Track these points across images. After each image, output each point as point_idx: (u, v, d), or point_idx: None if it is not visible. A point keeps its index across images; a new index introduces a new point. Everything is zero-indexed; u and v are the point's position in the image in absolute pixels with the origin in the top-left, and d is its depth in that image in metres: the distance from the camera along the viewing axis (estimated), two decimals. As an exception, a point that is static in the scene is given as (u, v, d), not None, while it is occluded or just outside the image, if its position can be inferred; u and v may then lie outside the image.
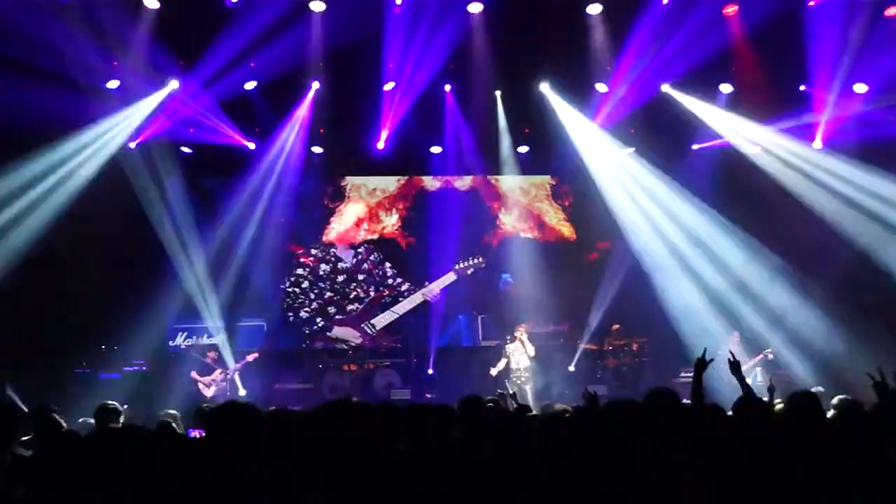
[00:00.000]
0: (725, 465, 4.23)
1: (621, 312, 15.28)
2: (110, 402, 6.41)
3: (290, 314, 15.56)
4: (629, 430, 4.43)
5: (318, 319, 15.55)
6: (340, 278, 15.72)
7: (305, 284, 15.63)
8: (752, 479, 4.15)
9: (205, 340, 15.08)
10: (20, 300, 13.46)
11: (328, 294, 15.65)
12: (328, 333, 15.48)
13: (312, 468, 3.99)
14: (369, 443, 4.19)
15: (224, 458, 3.78)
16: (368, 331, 15.57)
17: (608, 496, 3.92)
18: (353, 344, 15.47)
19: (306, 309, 15.58)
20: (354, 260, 15.80)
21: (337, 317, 15.58)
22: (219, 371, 13.82)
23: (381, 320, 15.64)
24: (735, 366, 6.11)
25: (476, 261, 15.49)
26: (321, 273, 15.70)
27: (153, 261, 14.94)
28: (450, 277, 15.52)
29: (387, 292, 15.77)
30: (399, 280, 15.81)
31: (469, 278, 15.72)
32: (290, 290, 15.59)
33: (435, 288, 15.46)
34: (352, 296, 15.71)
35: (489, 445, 4.59)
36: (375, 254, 15.90)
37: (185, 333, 15.26)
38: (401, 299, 15.71)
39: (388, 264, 15.90)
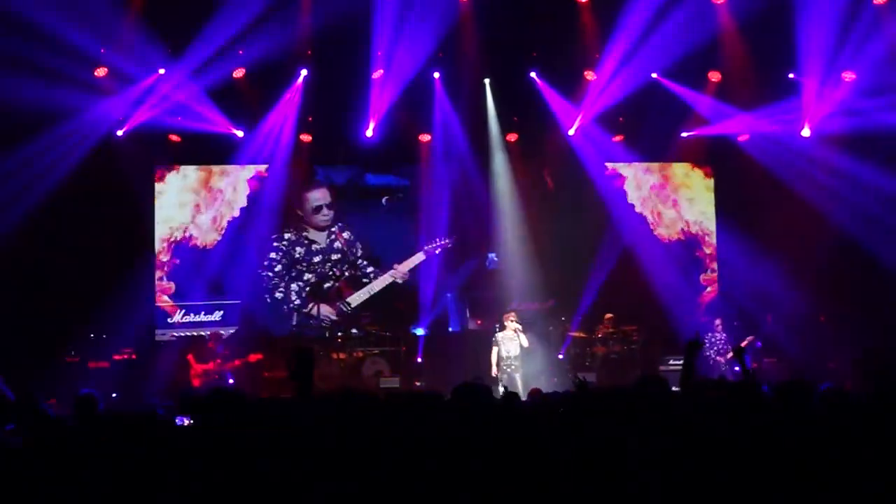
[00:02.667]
0: (711, 452, 4.24)
1: (611, 298, 15.29)
2: (88, 391, 6.35)
3: (267, 296, 15.50)
4: (618, 417, 4.43)
5: (294, 298, 15.49)
6: (317, 259, 15.68)
7: (279, 268, 15.59)
8: (740, 467, 4.16)
9: (202, 317, 15.07)
10: (7, 288, 13.43)
11: (306, 275, 15.56)
12: (304, 310, 15.39)
13: (301, 457, 3.99)
14: (360, 431, 4.18)
15: (212, 445, 3.78)
16: (344, 308, 15.54)
17: (598, 483, 3.93)
18: (329, 321, 15.39)
19: (280, 289, 15.51)
20: (328, 240, 15.77)
21: (313, 295, 15.48)
22: (217, 361, 13.77)
23: (356, 298, 15.62)
24: (738, 352, 6.10)
25: (444, 241, 15.41)
26: (296, 256, 15.65)
27: (140, 247, 14.92)
28: (418, 258, 15.48)
29: (359, 272, 15.75)
30: (365, 263, 15.79)
31: (438, 257, 15.63)
32: (264, 273, 15.54)
33: (403, 268, 15.41)
34: (329, 274, 15.68)
35: (482, 432, 4.59)
36: (348, 233, 15.85)
37: (183, 311, 15.21)
38: (371, 277, 15.66)
39: (359, 244, 15.86)
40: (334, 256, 15.76)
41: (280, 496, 3.80)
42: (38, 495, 3.81)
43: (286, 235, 15.65)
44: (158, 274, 15.26)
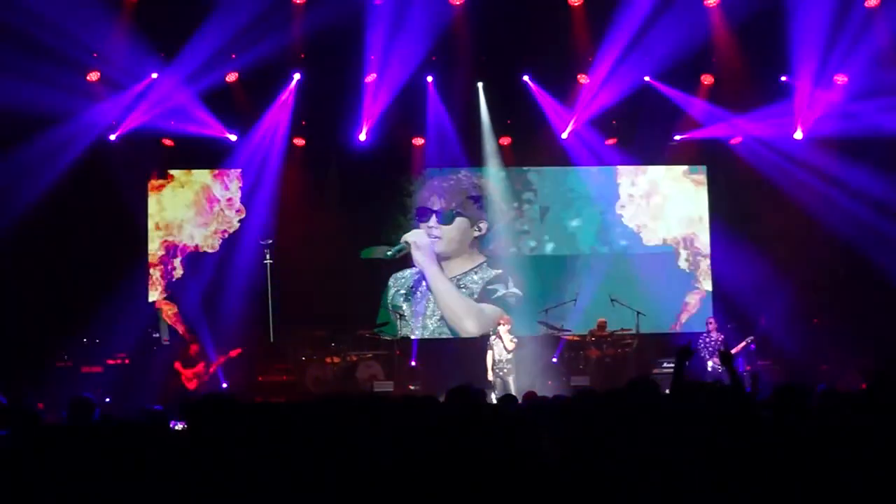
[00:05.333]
0: (705, 455, 4.24)
1: (605, 302, 15.27)
2: (83, 395, 6.33)
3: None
4: (610, 420, 4.44)
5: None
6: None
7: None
8: (734, 469, 4.16)
9: None
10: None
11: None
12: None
13: (295, 461, 3.98)
14: (354, 435, 4.17)
15: (205, 449, 3.77)
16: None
17: (591, 485, 3.93)
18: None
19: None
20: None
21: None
22: (202, 364, 13.78)
23: None
24: (726, 357, 6.06)
25: None
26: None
27: (134, 251, 14.88)
28: None
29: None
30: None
31: None
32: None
33: None
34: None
35: (476, 435, 4.59)
36: None
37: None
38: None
39: None
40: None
41: (274, 501, 3.79)
42: (30, 501, 3.80)
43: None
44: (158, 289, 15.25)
